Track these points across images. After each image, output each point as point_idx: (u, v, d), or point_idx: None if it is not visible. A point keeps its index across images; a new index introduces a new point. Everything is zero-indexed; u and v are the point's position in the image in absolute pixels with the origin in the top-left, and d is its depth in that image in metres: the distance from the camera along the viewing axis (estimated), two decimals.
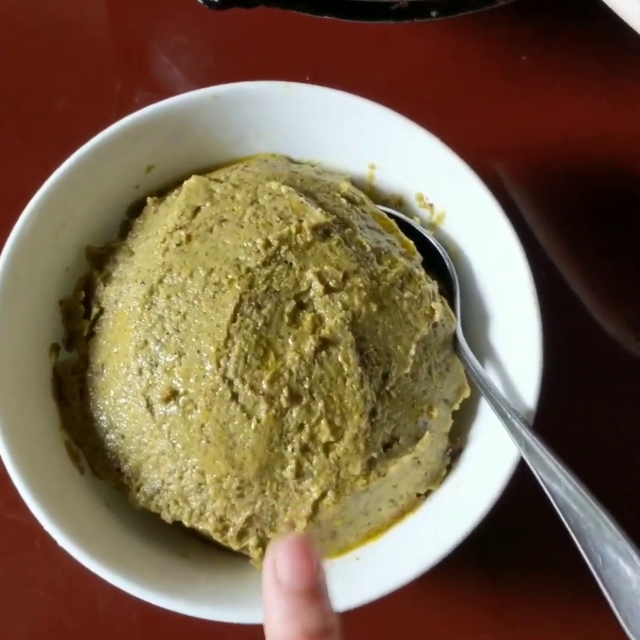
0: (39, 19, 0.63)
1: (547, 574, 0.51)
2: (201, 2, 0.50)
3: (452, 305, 0.47)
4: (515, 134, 0.59)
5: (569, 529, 0.38)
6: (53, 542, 0.50)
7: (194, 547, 0.45)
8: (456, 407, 0.46)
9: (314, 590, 0.33)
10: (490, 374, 0.46)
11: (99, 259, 0.49)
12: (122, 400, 0.44)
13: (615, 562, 0.36)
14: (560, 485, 0.39)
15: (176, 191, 0.49)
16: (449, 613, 0.51)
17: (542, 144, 0.59)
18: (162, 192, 0.50)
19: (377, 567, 0.42)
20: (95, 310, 0.47)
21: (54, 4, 0.65)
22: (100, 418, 0.45)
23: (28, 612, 0.50)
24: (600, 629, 0.49)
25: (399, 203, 0.51)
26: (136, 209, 0.50)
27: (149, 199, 0.49)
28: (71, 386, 0.46)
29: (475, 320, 0.48)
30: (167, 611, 0.50)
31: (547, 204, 0.58)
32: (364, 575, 0.42)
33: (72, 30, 0.64)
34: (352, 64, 0.60)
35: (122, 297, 0.46)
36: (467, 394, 0.46)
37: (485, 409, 0.46)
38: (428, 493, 0.46)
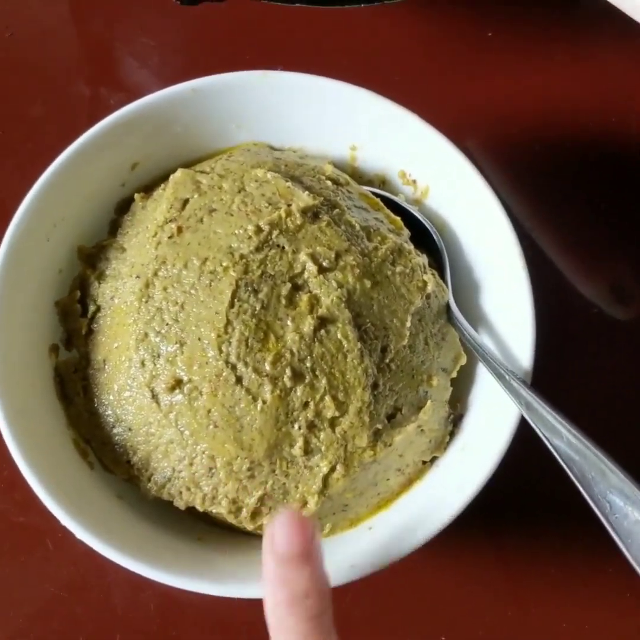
0: (4, 30, 0.64)
1: (552, 534, 0.52)
2: None
3: (443, 277, 0.49)
4: (487, 109, 0.61)
5: (575, 481, 0.39)
6: (66, 541, 0.51)
7: (209, 531, 0.46)
8: (454, 374, 0.47)
9: (305, 556, 0.36)
10: (485, 340, 0.47)
11: (91, 257, 0.49)
12: (127, 394, 0.45)
13: (623, 506, 0.37)
14: (563, 438, 0.40)
15: (163, 186, 0.49)
16: (457, 579, 0.52)
17: (515, 118, 0.61)
18: (148, 188, 0.51)
19: (390, 535, 0.43)
20: (91, 308, 0.48)
21: (19, 15, 0.65)
22: (106, 413, 0.46)
23: (44, 609, 0.50)
24: (606, 584, 0.51)
25: (383, 182, 0.52)
26: (124, 206, 0.51)
27: (136, 195, 0.49)
28: (74, 384, 0.47)
29: (466, 289, 0.49)
30: (185, 601, 0.51)
31: (522, 175, 0.60)
32: (378, 544, 0.43)
33: (40, 40, 0.65)
34: (323, 49, 0.61)
35: (117, 293, 0.47)
36: (463, 361, 0.47)
37: (482, 374, 0.47)
38: (433, 460, 0.47)
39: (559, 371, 0.52)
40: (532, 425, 0.42)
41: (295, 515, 0.37)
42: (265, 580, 0.36)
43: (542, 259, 0.57)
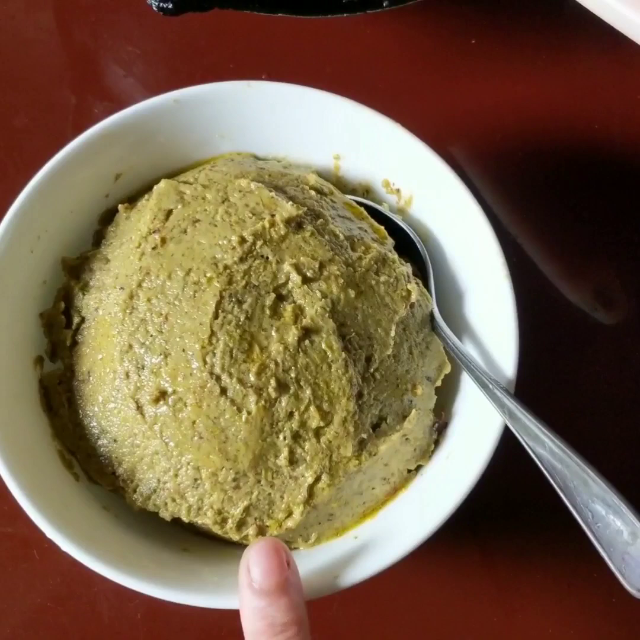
0: None
1: (537, 540, 0.52)
2: (155, 9, 0.51)
3: (427, 286, 0.49)
4: (471, 116, 0.61)
5: (558, 489, 0.39)
6: (52, 551, 0.50)
7: (194, 541, 0.46)
8: (438, 383, 0.47)
9: (281, 587, 0.38)
10: (468, 349, 0.47)
11: (75, 269, 0.49)
12: (112, 405, 0.45)
13: (605, 515, 0.37)
14: (545, 447, 0.40)
15: (146, 196, 0.49)
16: (444, 585, 0.52)
17: (498, 125, 0.61)
18: (132, 199, 0.51)
19: (375, 544, 0.43)
20: (76, 319, 0.48)
21: (3, 25, 0.65)
22: (91, 425, 0.46)
23: (31, 620, 0.51)
24: (592, 590, 0.51)
25: (366, 191, 0.52)
26: (108, 217, 0.51)
27: (120, 206, 0.49)
28: (59, 396, 0.47)
29: (450, 299, 0.49)
30: (171, 610, 0.51)
31: (506, 183, 0.60)
32: (364, 553, 0.43)
33: (24, 49, 0.64)
34: (306, 58, 0.61)
35: (102, 305, 0.47)
36: (448, 369, 0.48)
37: (466, 383, 0.48)
38: (418, 468, 0.47)
39: (543, 379, 0.53)
40: (516, 434, 0.42)
41: (269, 543, 0.39)
42: (242, 609, 0.38)
43: (526, 265, 0.58)
